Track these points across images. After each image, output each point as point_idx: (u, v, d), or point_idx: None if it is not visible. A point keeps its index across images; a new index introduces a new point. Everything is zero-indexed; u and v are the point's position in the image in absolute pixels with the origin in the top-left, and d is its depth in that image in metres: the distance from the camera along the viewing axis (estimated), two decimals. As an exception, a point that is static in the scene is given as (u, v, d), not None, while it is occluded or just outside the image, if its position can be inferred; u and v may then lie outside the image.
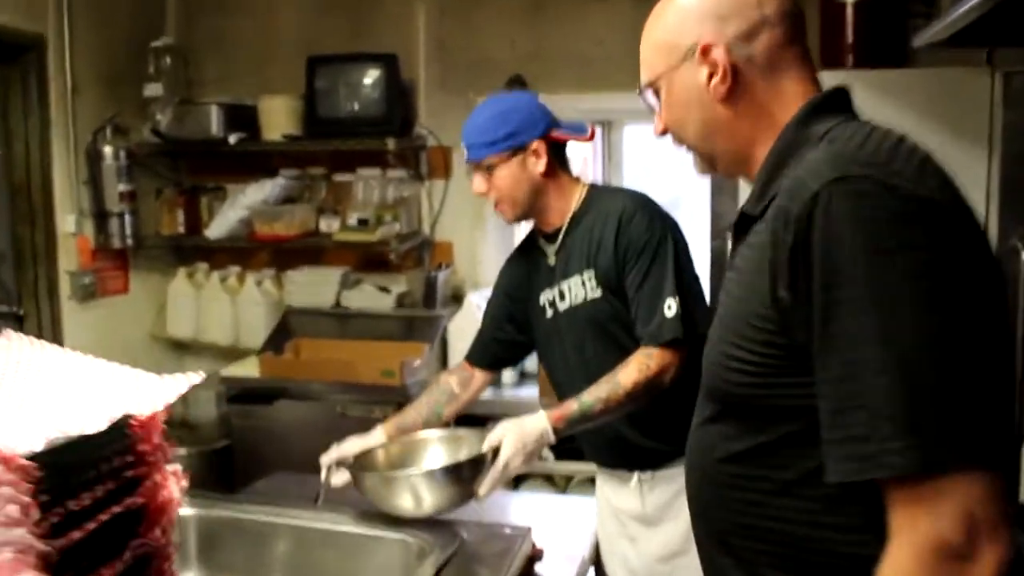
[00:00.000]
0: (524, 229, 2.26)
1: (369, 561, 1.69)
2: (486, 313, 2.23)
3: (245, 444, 3.27)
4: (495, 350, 2.20)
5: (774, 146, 1.13)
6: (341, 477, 1.92)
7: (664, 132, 1.25)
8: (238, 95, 3.83)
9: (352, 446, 1.97)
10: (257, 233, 3.71)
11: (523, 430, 1.76)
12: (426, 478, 1.70)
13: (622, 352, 1.88)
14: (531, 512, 2.22)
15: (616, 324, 1.93)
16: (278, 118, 3.70)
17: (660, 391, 1.84)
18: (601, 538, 2.11)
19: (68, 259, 3.62)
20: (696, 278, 1.96)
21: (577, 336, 1.99)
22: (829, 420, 0.96)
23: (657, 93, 1.22)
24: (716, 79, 1.14)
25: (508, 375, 3.48)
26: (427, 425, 2.09)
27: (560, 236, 2.00)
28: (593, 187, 2.05)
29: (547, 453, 3.26)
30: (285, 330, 3.66)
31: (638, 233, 1.89)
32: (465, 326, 3.45)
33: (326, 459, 1.96)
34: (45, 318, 3.57)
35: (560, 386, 2.07)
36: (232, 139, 3.67)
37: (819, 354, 0.97)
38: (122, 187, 3.67)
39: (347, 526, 1.72)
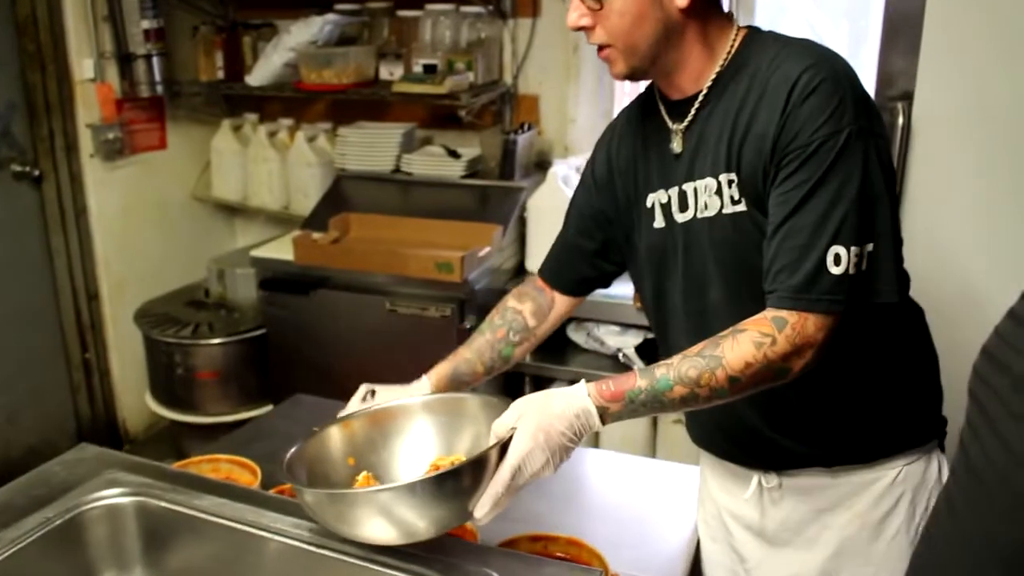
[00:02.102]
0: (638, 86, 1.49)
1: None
2: (570, 209, 1.49)
3: (282, 337, 2.77)
4: (580, 267, 1.48)
5: None
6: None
7: None
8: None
9: (387, 398, 1.34)
10: (303, 81, 3.09)
11: (547, 414, 1.11)
12: (395, 495, 1.05)
13: (764, 305, 1.17)
14: (610, 495, 1.65)
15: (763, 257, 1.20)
16: (327, -63, 3.01)
17: (782, 382, 1.15)
18: (703, 536, 1.53)
19: (88, 111, 3.10)
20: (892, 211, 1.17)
21: (698, 266, 1.29)
22: None
23: None
24: None
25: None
26: (489, 373, 1.45)
27: (694, 109, 1.27)
28: (754, 33, 1.26)
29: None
30: (336, 199, 3.08)
31: (815, 119, 1.12)
32: (549, 203, 2.81)
33: (349, 410, 1.34)
34: (64, 178, 3.10)
35: (662, 336, 1.40)
36: (272, -36, 3.01)
37: None
38: (146, 24, 3.09)
39: (326, 545, 1.18)
